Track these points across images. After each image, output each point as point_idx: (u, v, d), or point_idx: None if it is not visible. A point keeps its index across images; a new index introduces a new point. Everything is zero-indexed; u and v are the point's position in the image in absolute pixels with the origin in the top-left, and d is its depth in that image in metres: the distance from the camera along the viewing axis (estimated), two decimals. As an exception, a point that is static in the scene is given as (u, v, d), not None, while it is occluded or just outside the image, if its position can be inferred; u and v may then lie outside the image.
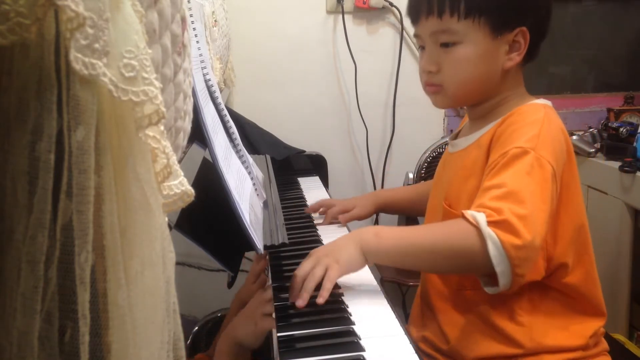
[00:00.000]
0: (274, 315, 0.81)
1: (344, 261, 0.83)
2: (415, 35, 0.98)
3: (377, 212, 1.29)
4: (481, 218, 0.78)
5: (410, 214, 1.88)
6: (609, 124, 1.86)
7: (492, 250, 0.77)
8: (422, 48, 0.97)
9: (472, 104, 0.98)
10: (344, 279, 0.87)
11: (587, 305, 0.95)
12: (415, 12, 0.95)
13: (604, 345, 0.96)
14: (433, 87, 0.96)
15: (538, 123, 0.86)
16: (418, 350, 1.00)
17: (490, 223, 0.77)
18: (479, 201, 0.82)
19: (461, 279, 0.95)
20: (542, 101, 0.94)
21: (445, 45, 0.91)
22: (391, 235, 0.85)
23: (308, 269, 0.82)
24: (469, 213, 0.80)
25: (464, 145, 0.98)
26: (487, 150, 0.90)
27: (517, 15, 0.90)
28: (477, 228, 0.78)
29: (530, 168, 0.82)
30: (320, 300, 0.79)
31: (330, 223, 1.22)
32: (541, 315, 0.91)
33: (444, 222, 0.88)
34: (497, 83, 0.93)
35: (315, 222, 1.23)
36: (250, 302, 0.88)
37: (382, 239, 0.84)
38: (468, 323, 0.94)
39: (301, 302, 0.80)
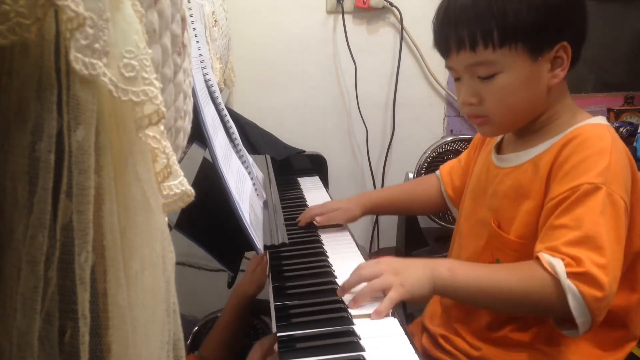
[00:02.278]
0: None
1: (409, 286, 0.81)
2: (448, 67, 0.92)
3: (366, 214, 1.21)
4: (560, 268, 0.75)
5: (402, 214, 1.86)
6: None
7: (573, 302, 0.75)
8: (457, 79, 0.91)
9: (522, 126, 0.92)
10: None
11: (629, 331, 0.91)
12: (445, 47, 0.88)
13: None
14: (478, 119, 0.90)
15: (607, 153, 0.81)
16: (436, 345, 1.00)
17: (570, 274, 0.75)
18: (551, 243, 0.78)
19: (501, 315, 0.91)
20: (600, 120, 0.89)
21: (483, 77, 0.86)
22: (465, 272, 0.83)
23: (372, 275, 0.82)
24: (545, 259, 0.77)
25: (516, 162, 0.92)
26: (547, 173, 0.85)
27: (556, 33, 0.84)
28: (556, 278, 0.76)
29: (603, 207, 0.78)
30: (374, 316, 0.78)
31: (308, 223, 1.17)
32: (581, 340, 0.87)
33: (518, 264, 0.82)
34: (544, 102, 0.88)
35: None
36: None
37: (455, 275, 0.82)
38: (496, 339, 0.92)
39: (354, 305, 0.80)
